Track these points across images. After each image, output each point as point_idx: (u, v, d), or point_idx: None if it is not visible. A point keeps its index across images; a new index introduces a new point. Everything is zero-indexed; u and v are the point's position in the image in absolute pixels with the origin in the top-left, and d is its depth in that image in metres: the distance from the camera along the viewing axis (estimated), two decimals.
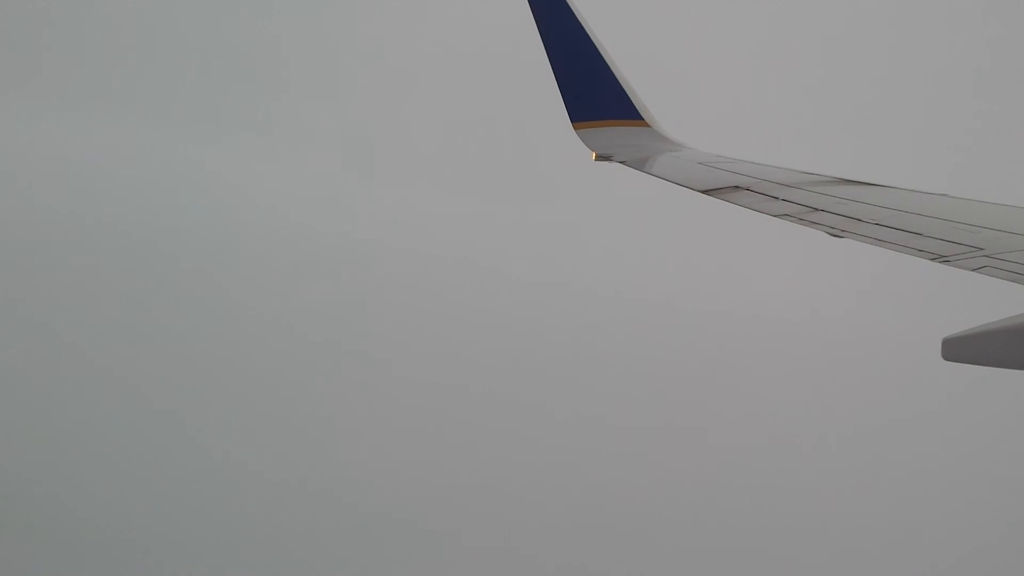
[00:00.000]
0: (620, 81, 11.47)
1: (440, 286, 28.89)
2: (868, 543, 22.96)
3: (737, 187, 9.91)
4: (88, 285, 29.71)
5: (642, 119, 11.55)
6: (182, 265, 29.97)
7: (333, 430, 26.25)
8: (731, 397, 25.71)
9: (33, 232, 31.23)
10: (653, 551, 23.03)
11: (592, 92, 11.50)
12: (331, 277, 29.61)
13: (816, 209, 9.16)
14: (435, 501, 23.89)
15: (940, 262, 7.79)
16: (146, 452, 25.01)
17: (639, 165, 11.11)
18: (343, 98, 32.34)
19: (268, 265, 30.00)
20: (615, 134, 11.47)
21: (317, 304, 28.90)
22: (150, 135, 33.69)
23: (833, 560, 22.66)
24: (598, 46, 11.40)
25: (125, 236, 31.73)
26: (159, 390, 26.48)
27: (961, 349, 6.79)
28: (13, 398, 26.35)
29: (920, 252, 8.01)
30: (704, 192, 10.04)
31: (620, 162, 11.23)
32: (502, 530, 23.27)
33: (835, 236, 8.77)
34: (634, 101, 11.53)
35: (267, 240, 30.48)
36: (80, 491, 24.19)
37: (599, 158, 11.36)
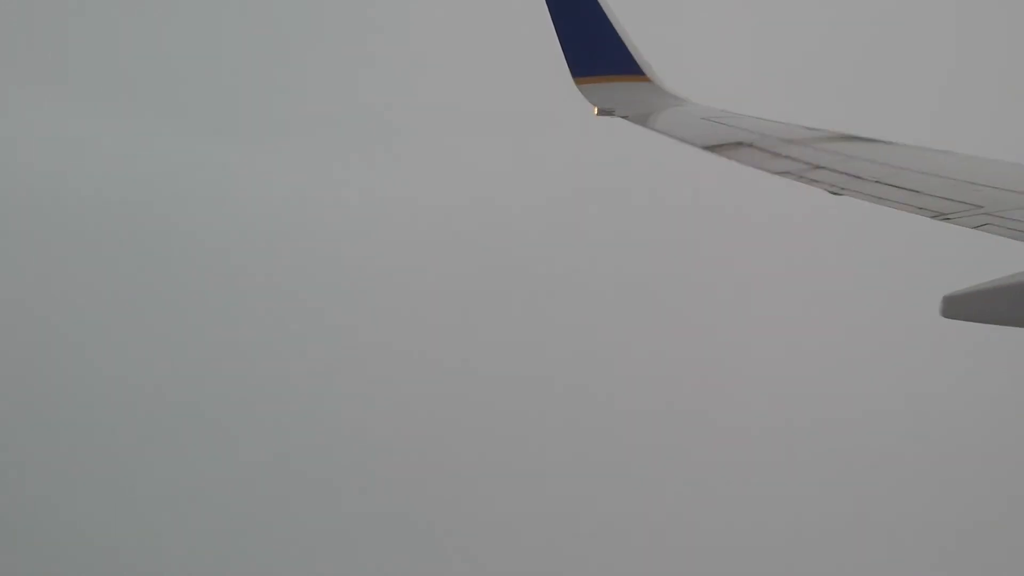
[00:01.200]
0: (622, 36, 11.44)
1: (438, 236, 28.81)
2: (866, 499, 23.08)
3: (740, 143, 9.90)
4: None
5: (644, 74, 11.52)
6: None
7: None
8: (731, 356, 25.74)
9: None
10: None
11: (594, 47, 11.48)
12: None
13: (818, 166, 9.16)
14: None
15: (940, 220, 7.80)
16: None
17: (641, 120, 11.10)
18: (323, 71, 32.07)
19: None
20: (617, 89, 11.46)
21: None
22: None
23: (833, 513, 22.83)
24: (600, 0, 11.37)
25: None
26: None
27: (961, 306, 6.81)
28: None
29: (920, 210, 8.02)
30: (707, 148, 10.04)
31: (622, 117, 11.23)
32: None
33: (835, 194, 8.78)
34: (636, 56, 11.50)
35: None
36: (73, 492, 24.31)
37: (601, 113, 11.36)
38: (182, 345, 27.36)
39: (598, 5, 11.31)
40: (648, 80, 11.52)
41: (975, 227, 7.58)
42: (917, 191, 8.30)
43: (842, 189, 8.68)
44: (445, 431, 25.05)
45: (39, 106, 31.35)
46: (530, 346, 26.28)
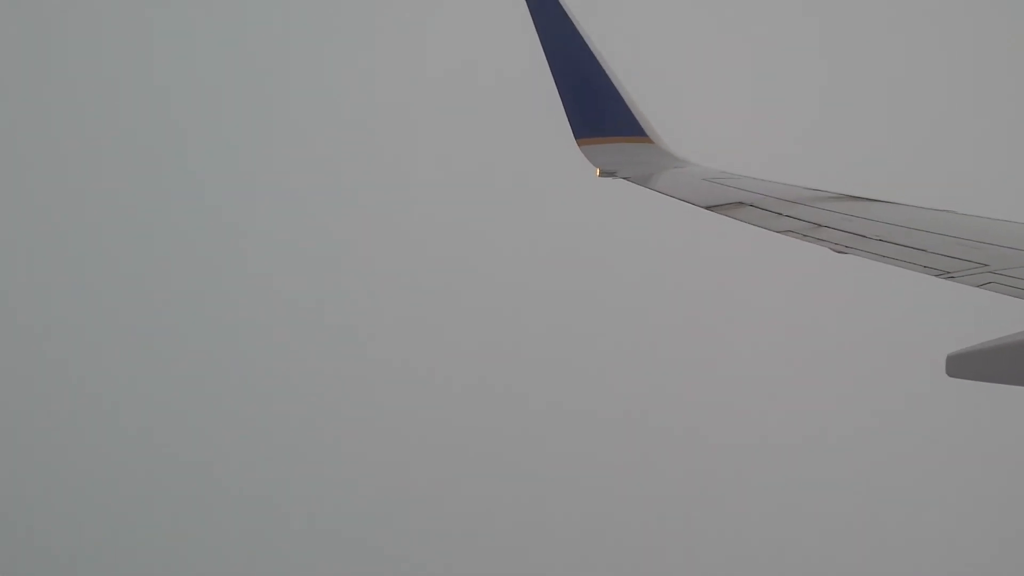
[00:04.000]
0: (624, 97, 11.50)
1: (444, 289, 28.87)
2: (864, 562, 22.94)
3: (741, 203, 9.92)
4: None
5: (646, 136, 11.56)
6: None
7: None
8: (731, 413, 25.64)
9: None
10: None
11: (596, 109, 11.53)
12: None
13: (820, 225, 9.16)
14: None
15: (945, 278, 7.78)
16: None
17: (643, 181, 11.12)
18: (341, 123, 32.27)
19: None
20: (619, 150, 11.50)
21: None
22: None
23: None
24: (602, 62, 11.43)
25: None
26: None
27: (966, 365, 6.76)
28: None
29: (925, 268, 8.00)
30: (708, 208, 10.05)
31: (624, 178, 11.26)
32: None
33: (839, 252, 8.77)
34: (638, 118, 11.55)
35: None
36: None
37: (603, 174, 11.39)
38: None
39: (600, 67, 11.37)
40: (650, 141, 11.56)
41: (979, 285, 7.56)
42: (921, 249, 8.29)
43: (846, 247, 8.68)
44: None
45: None
46: (525, 408, 26.25)
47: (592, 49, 11.41)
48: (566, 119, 11.65)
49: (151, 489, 24.72)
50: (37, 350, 27.57)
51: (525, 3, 11.47)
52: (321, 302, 28.80)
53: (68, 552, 23.54)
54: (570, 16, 11.38)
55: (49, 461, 25.20)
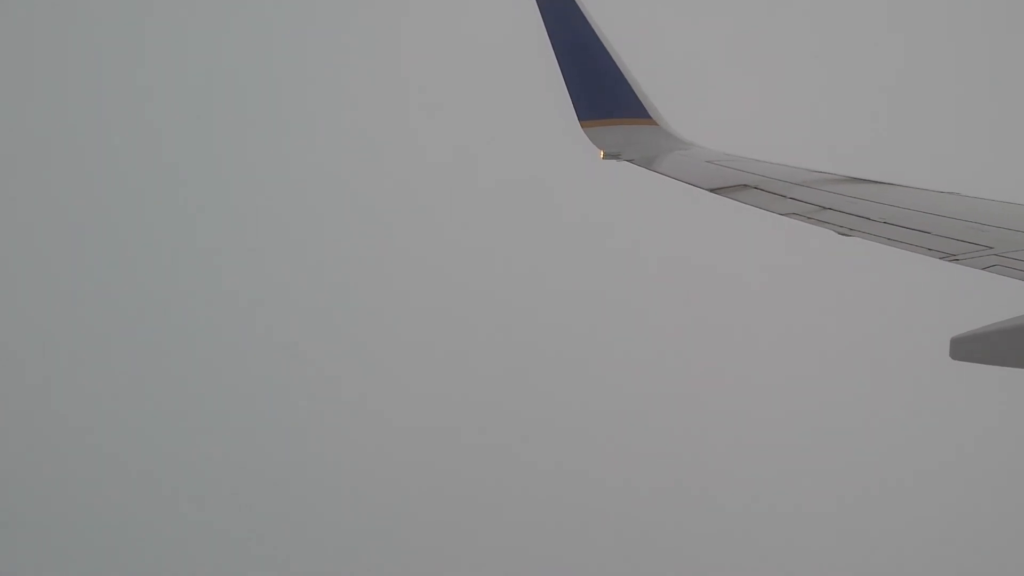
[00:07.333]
0: (628, 79, 11.46)
1: (449, 277, 28.82)
2: (869, 544, 22.96)
3: (745, 185, 9.90)
4: None
5: (650, 118, 11.53)
6: None
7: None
8: (734, 396, 25.65)
9: None
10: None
11: (600, 90, 11.50)
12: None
13: (825, 208, 9.15)
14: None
15: (949, 261, 7.77)
16: None
17: (647, 163, 11.11)
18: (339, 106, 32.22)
19: None
20: (623, 132, 11.47)
21: None
22: None
23: (830, 560, 22.71)
24: (606, 44, 11.39)
25: None
26: None
27: (970, 348, 6.75)
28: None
29: (929, 251, 7.99)
30: (712, 191, 10.04)
31: (628, 160, 11.24)
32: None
33: (844, 235, 8.76)
34: (642, 100, 11.52)
35: None
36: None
37: (607, 156, 11.37)
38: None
39: (604, 49, 11.33)
40: (654, 123, 11.53)
41: (984, 268, 7.55)
42: (926, 232, 8.28)
43: (851, 230, 8.67)
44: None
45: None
46: (529, 392, 26.27)
47: (596, 30, 11.37)
48: (569, 100, 11.63)
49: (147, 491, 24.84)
50: (28, 352, 27.65)
51: None
52: (326, 288, 28.84)
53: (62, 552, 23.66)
54: None
55: (45, 461, 25.31)
